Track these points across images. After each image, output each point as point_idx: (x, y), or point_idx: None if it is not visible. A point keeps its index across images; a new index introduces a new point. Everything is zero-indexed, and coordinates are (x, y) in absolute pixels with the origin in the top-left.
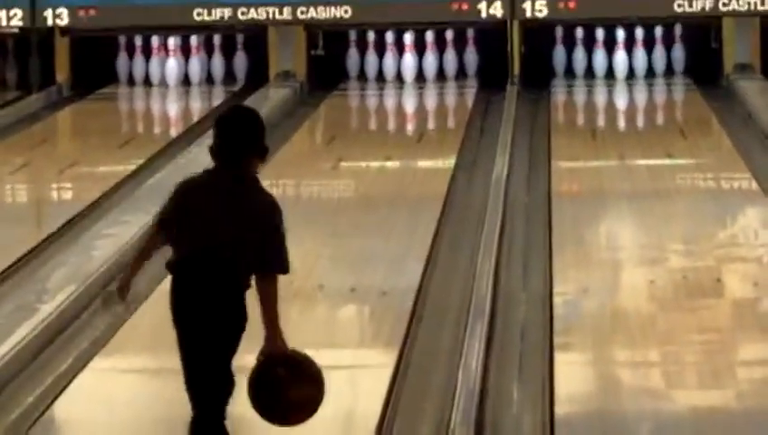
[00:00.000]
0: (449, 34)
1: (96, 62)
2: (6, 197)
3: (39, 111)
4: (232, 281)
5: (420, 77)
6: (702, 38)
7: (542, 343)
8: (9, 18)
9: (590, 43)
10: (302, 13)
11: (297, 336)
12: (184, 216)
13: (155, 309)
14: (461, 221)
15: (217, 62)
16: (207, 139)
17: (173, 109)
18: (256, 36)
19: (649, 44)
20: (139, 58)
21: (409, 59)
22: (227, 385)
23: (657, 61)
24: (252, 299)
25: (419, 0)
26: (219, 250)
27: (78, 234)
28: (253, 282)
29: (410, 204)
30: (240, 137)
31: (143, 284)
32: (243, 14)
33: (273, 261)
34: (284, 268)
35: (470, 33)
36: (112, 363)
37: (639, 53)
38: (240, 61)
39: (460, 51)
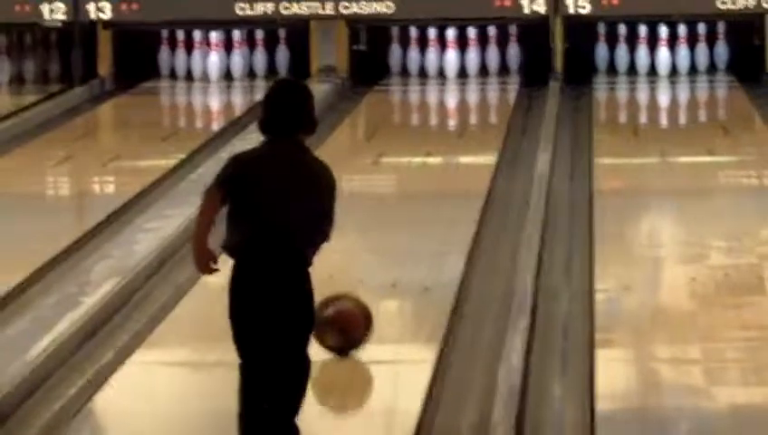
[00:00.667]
0: (492, 30)
1: (138, 56)
2: (49, 189)
3: (81, 104)
4: (304, 260)
5: (462, 73)
6: (745, 35)
7: (583, 339)
8: (52, 12)
9: (632, 40)
10: (344, 8)
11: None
12: (248, 188)
13: (196, 302)
14: (503, 217)
15: (259, 56)
16: (249, 133)
17: (215, 103)
18: (298, 31)
19: (692, 41)
20: (181, 52)
21: (452, 55)
22: (306, 377)
23: (700, 58)
24: None
25: None
26: (293, 225)
27: (120, 227)
28: None
29: (452, 200)
30: (293, 109)
31: (185, 277)
32: (285, 8)
33: (329, 231)
34: (330, 235)
35: (512, 29)
36: (154, 356)
37: (682, 49)
38: (282, 55)
39: (502, 47)
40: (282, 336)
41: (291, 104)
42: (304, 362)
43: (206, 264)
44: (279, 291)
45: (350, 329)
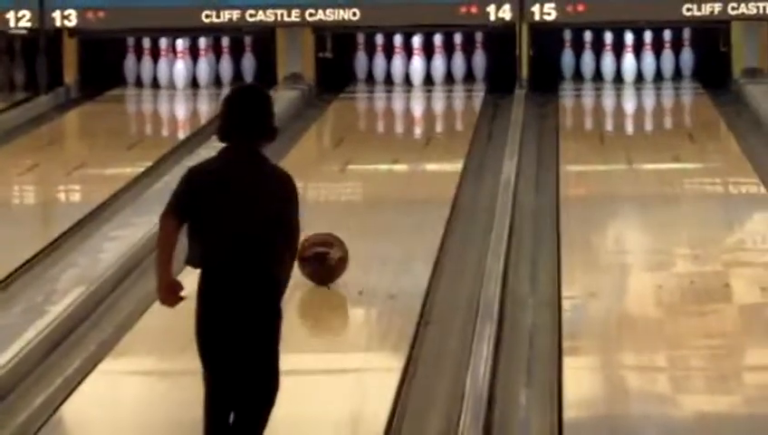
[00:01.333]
0: (458, 37)
1: (104, 64)
2: (14, 198)
3: (47, 112)
4: (268, 272)
5: (428, 80)
6: (710, 42)
7: (550, 347)
8: (18, 19)
9: (598, 47)
10: (310, 15)
11: (305, 339)
12: (204, 204)
13: (162, 311)
14: (469, 224)
15: (226, 64)
16: (215, 141)
17: (181, 111)
18: (264, 39)
19: (658, 48)
20: (147, 60)
21: (418, 62)
22: (275, 391)
23: (666, 64)
24: None
25: (428, 3)
26: (257, 234)
27: (86, 236)
28: None
29: (418, 207)
30: (252, 115)
31: (152, 285)
32: (251, 16)
33: (296, 235)
34: (298, 242)
35: (478, 36)
36: (120, 366)
37: (648, 56)
38: (248, 63)
39: (468, 54)
40: (248, 351)
41: (250, 111)
42: (272, 377)
43: (169, 295)
44: (243, 303)
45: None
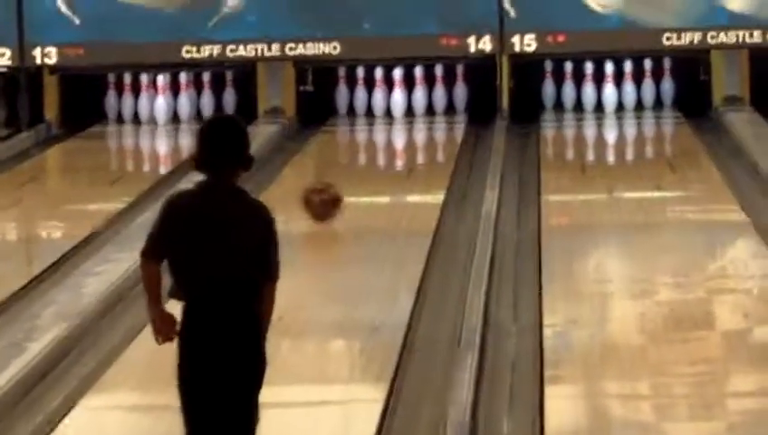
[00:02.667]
0: (438, 69)
1: (85, 100)
2: None
3: (28, 149)
4: (253, 303)
5: (409, 112)
6: (691, 71)
7: (532, 375)
8: None
9: (578, 77)
10: (290, 49)
11: (287, 371)
12: (182, 237)
13: (145, 346)
14: (451, 255)
15: (207, 99)
16: (197, 176)
17: (162, 146)
18: (245, 73)
19: (638, 78)
20: (128, 96)
21: (398, 94)
22: (255, 426)
23: (646, 94)
24: None
25: (408, 35)
26: (233, 268)
27: (68, 272)
28: None
29: (400, 238)
30: (227, 145)
31: (135, 320)
32: (231, 51)
33: (275, 268)
34: (278, 275)
35: (459, 68)
36: (103, 401)
37: (628, 86)
38: (229, 97)
39: (449, 86)
40: (227, 390)
41: (223, 141)
42: (251, 415)
43: (163, 328)
44: (223, 341)
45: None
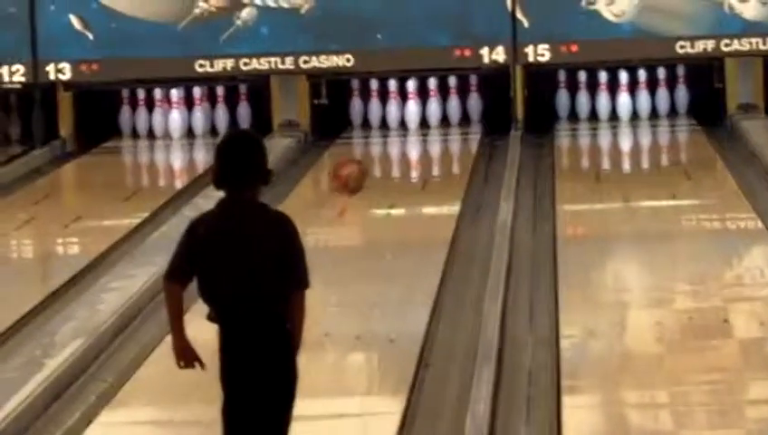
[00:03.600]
0: (452, 81)
1: (99, 116)
2: (12, 252)
3: (43, 165)
4: (280, 315)
5: (424, 124)
6: (705, 79)
7: (549, 386)
8: (12, 74)
9: (593, 86)
10: (304, 62)
11: (304, 384)
12: (207, 258)
13: (161, 361)
14: (467, 266)
15: (221, 112)
16: (212, 190)
17: (177, 161)
18: (259, 86)
19: (652, 86)
20: (142, 111)
21: (413, 106)
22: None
23: (661, 102)
24: None
25: (421, 47)
26: (259, 281)
27: (84, 288)
28: None
29: (416, 250)
30: (246, 161)
31: (151, 336)
32: (245, 64)
33: (302, 276)
34: (308, 283)
35: (473, 78)
36: (120, 417)
37: (643, 94)
38: (243, 111)
39: (463, 97)
40: (259, 402)
41: (241, 157)
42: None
43: (181, 359)
44: (251, 354)
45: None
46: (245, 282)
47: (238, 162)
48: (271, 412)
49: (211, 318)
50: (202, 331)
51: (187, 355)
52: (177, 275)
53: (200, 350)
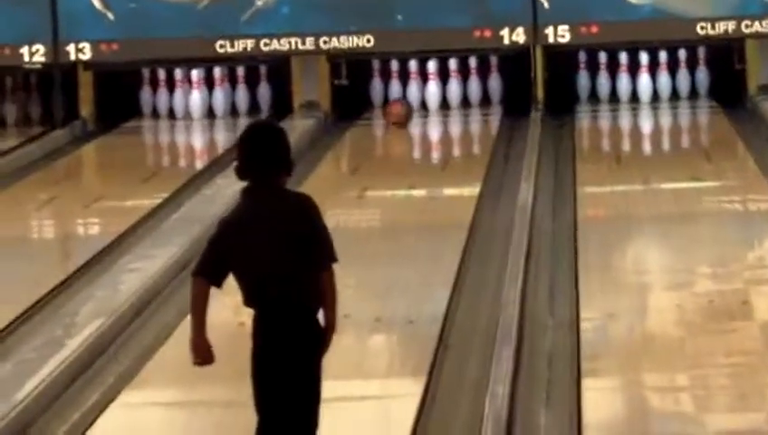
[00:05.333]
0: (473, 62)
1: (120, 96)
2: (33, 232)
3: (63, 146)
4: (308, 297)
5: (444, 105)
6: (725, 60)
7: (569, 369)
8: (32, 54)
9: (613, 68)
10: (324, 43)
11: (324, 366)
12: (236, 250)
13: (181, 342)
14: (487, 248)
15: (241, 93)
16: (232, 171)
17: (197, 141)
18: (279, 67)
19: (673, 67)
20: (162, 91)
21: (433, 87)
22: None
23: (681, 83)
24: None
25: (442, 28)
26: (286, 263)
27: (104, 268)
28: None
29: (436, 232)
30: (269, 152)
31: (170, 316)
32: (265, 45)
33: (329, 250)
34: (336, 257)
35: (493, 59)
36: (140, 397)
37: (663, 76)
38: (264, 92)
39: (484, 78)
40: (286, 391)
41: (264, 148)
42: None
43: (197, 356)
44: (283, 342)
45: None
46: (274, 267)
47: (262, 153)
48: (297, 399)
49: (248, 303)
50: (222, 311)
51: (203, 353)
52: (205, 271)
53: (220, 330)
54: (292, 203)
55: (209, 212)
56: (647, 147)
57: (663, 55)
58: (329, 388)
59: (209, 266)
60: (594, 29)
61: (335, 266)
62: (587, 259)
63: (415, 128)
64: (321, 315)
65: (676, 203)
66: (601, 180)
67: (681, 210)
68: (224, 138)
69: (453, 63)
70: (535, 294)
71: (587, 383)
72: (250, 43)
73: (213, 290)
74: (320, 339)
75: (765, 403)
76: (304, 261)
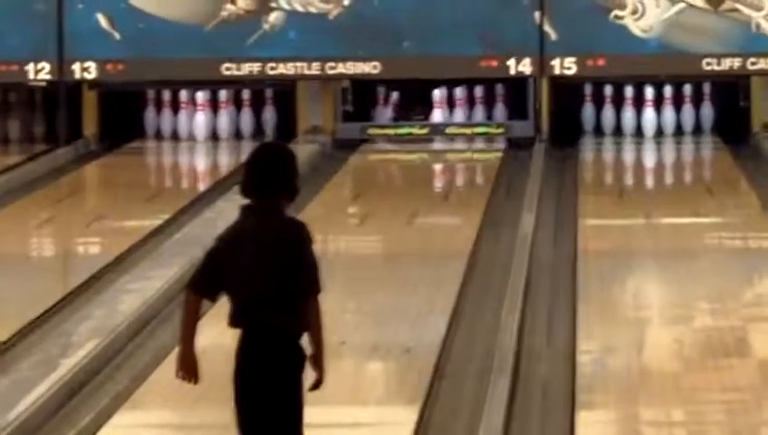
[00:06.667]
0: (478, 90)
1: (124, 116)
2: (32, 250)
3: (66, 164)
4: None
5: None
6: (730, 96)
7: (564, 400)
8: (37, 71)
9: (618, 101)
10: (330, 68)
11: (319, 393)
12: (228, 267)
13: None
14: (486, 278)
15: (246, 116)
16: (235, 193)
17: (201, 163)
18: (285, 91)
19: (678, 102)
20: (167, 112)
21: (438, 115)
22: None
23: (686, 119)
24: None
25: (448, 56)
26: (269, 285)
27: (103, 287)
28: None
29: (435, 260)
30: (273, 172)
31: (167, 338)
32: (272, 69)
33: (313, 282)
34: (320, 288)
35: (499, 88)
36: (134, 419)
37: (668, 111)
38: (269, 115)
39: (489, 106)
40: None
41: (268, 168)
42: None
43: (181, 370)
44: (262, 364)
45: None
46: (257, 289)
47: (265, 172)
48: (276, 423)
49: (231, 324)
50: (221, 335)
51: (189, 366)
52: (197, 285)
53: (218, 353)
54: (284, 229)
55: (210, 234)
56: (649, 181)
57: (668, 90)
58: (323, 414)
59: (202, 279)
60: (600, 62)
61: (333, 292)
62: (586, 292)
63: (418, 155)
64: (306, 341)
65: (677, 238)
66: (603, 213)
67: (682, 246)
68: (227, 161)
69: (459, 92)
70: (533, 325)
71: (582, 416)
72: (256, 67)
73: (213, 313)
74: (301, 362)
75: None
76: (288, 287)
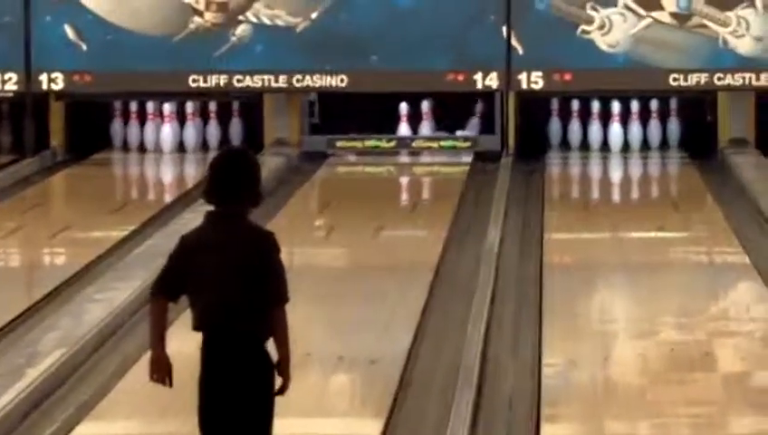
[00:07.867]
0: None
1: (91, 127)
2: None
3: (33, 175)
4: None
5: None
6: (697, 112)
7: (529, 414)
8: (4, 82)
9: (585, 116)
10: (297, 81)
11: (285, 404)
12: (191, 271)
13: (143, 374)
14: (452, 291)
15: (213, 128)
16: (201, 205)
17: (167, 175)
18: (252, 104)
19: (645, 117)
20: (134, 124)
21: (404, 129)
22: None
23: (653, 134)
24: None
25: (415, 70)
26: (233, 293)
27: (69, 298)
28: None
29: (401, 273)
30: (236, 179)
31: (132, 348)
32: (238, 81)
33: (278, 292)
34: (287, 298)
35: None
36: (99, 429)
37: (634, 126)
38: (235, 127)
39: (459, 122)
40: (231, 417)
41: (231, 174)
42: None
43: (154, 371)
44: (228, 371)
45: None
46: (222, 294)
47: (228, 178)
48: (245, 428)
49: (195, 327)
50: (186, 343)
51: (161, 369)
52: (162, 288)
53: (184, 362)
54: (250, 236)
55: None
56: (616, 195)
57: (635, 105)
58: (289, 425)
59: (163, 280)
60: (567, 76)
61: (299, 304)
62: (552, 305)
63: (385, 168)
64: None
65: (642, 252)
66: (569, 227)
67: (647, 260)
68: (194, 172)
69: (426, 105)
70: (498, 338)
71: (546, 429)
72: (223, 79)
73: (181, 322)
74: (268, 367)
75: None
76: (253, 294)
